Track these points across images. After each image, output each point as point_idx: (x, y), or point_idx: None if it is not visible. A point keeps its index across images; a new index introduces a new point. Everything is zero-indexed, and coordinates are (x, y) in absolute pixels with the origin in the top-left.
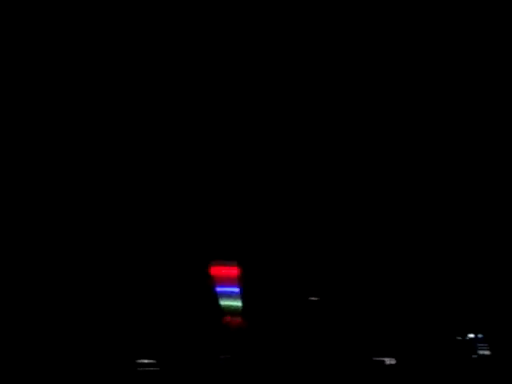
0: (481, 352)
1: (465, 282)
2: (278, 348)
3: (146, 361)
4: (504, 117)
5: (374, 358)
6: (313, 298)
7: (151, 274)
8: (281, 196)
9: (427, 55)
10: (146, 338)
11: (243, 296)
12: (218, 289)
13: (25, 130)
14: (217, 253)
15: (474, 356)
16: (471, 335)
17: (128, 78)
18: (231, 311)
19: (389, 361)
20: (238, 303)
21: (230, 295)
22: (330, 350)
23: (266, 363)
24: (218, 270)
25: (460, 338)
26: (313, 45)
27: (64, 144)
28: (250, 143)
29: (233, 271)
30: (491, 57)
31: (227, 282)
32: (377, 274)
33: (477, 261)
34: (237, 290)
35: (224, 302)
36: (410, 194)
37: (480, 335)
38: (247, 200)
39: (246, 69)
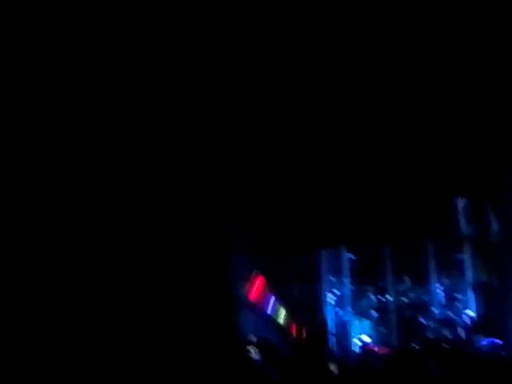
0: None
1: None
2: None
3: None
4: None
5: None
6: None
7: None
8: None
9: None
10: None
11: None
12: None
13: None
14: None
15: None
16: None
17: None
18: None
19: None
20: (284, 310)
21: (276, 309)
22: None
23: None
24: (255, 294)
25: None
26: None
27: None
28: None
29: (260, 282)
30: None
31: (264, 297)
32: None
33: None
34: (273, 298)
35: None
36: None
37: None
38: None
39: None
